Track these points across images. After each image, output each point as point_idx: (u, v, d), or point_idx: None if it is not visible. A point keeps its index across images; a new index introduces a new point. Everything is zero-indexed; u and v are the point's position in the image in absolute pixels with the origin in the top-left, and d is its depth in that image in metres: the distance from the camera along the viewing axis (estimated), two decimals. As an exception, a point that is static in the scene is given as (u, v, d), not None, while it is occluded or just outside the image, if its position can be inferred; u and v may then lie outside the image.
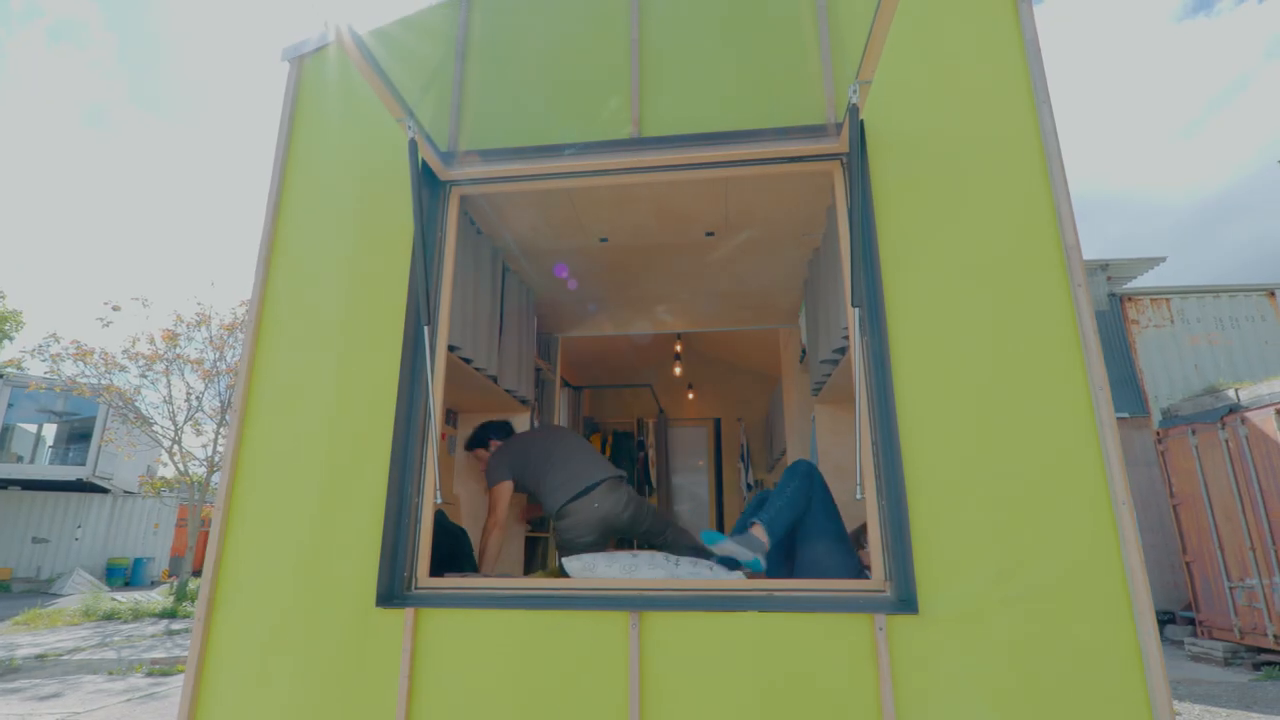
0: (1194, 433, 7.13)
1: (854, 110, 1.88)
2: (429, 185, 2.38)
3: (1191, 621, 7.30)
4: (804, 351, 3.93)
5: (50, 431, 16.68)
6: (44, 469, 15.39)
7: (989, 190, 2.08)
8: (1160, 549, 8.19)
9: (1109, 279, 9.67)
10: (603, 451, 8.13)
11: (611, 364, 7.43)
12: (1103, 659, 1.68)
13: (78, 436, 16.18)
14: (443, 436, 3.49)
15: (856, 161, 1.88)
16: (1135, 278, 9.82)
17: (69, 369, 11.76)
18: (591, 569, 2.29)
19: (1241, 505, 6.48)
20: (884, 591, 1.82)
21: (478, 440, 3.46)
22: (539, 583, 2.10)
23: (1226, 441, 6.71)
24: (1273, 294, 9.32)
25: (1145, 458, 8.55)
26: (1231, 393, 6.97)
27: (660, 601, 1.89)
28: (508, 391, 3.45)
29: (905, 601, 1.77)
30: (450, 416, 3.82)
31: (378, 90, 1.94)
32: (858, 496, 1.91)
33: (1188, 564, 7.23)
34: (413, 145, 2.10)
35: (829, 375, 3.05)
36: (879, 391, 1.94)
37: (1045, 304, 1.95)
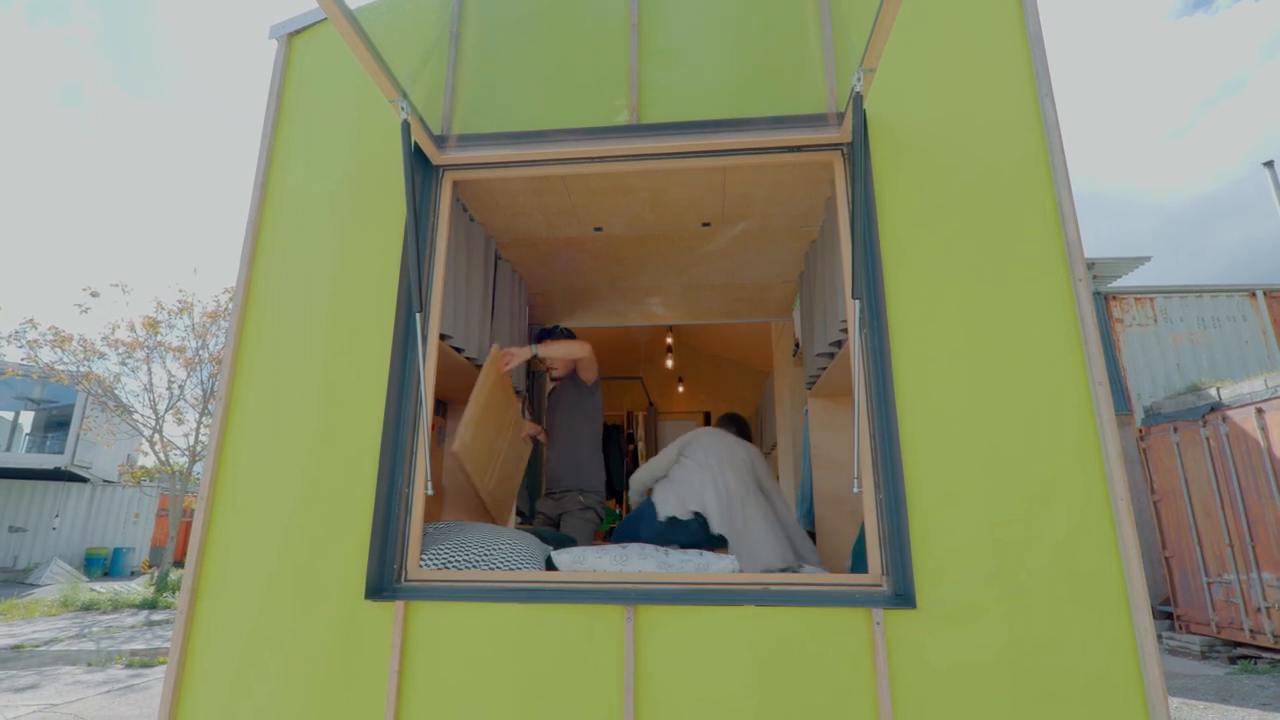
0: (1176, 430, 7.24)
1: (858, 99, 1.85)
2: (421, 169, 2.32)
3: (1169, 616, 7.43)
4: (797, 345, 3.92)
5: (27, 419, 16.39)
6: (21, 457, 15.11)
7: (990, 184, 2.06)
8: (1140, 544, 8.33)
9: (1094, 277, 9.78)
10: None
11: (602, 356, 7.39)
12: (1099, 655, 1.68)
13: (56, 424, 15.91)
14: (433, 427, 3.44)
15: (859, 151, 1.85)
16: (1120, 277, 9.94)
17: (47, 355, 11.54)
18: (581, 561, 2.27)
19: (1221, 502, 6.60)
20: (881, 586, 1.81)
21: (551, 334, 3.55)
22: (532, 575, 2.07)
23: (1207, 439, 6.81)
24: (1254, 294, 9.47)
25: (1127, 454, 8.67)
26: (1213, 391, 7.06)
27: (655, 595, 1.86)
28: (498, 382, 3.41)
29: (903, 596, 1.76)
30: (439, 407, 3.76)
31: (370, 69, 1.88)
32: (855, 490, 1.90)
33: (1167, 559, 7.35)
34: (405, 127, 2.05)
35: (824, 369, 3.03)
36: (878, 385, 1.93)
37: (1046, 298, 1.94)
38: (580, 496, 3.37)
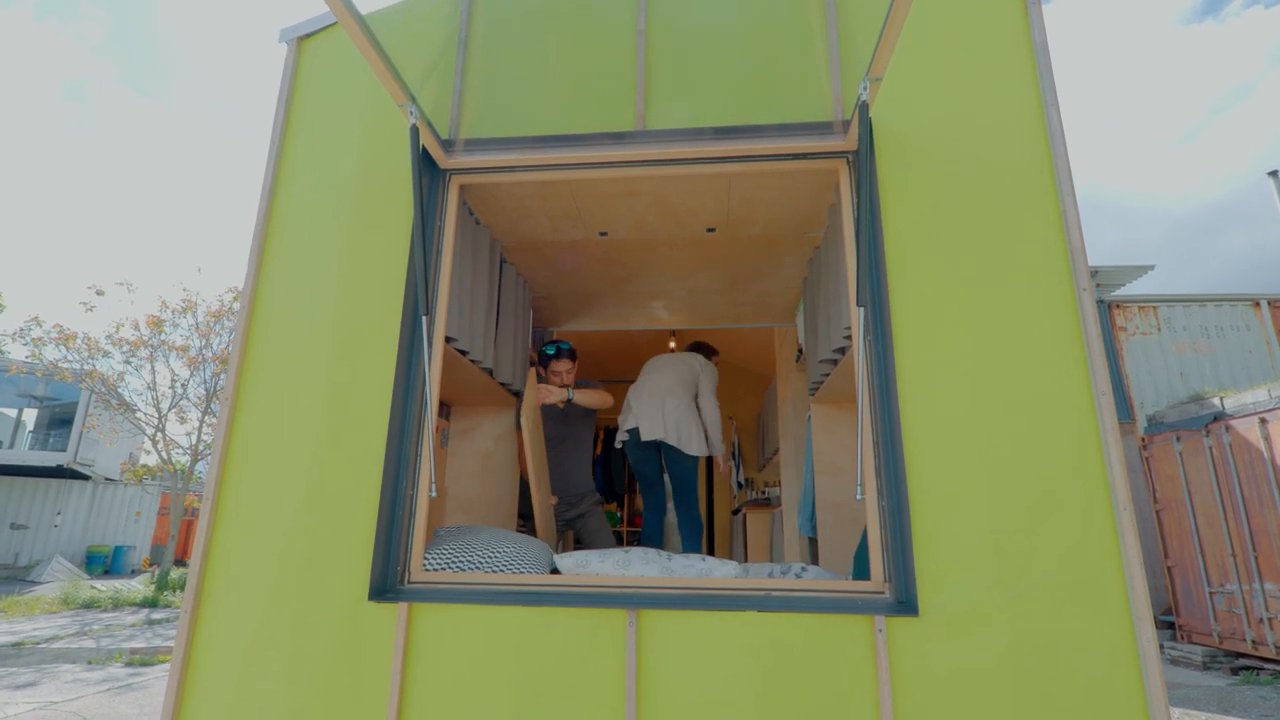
0: (1179, 439, 7.22)
1: (864, 107, 1.86)
2: (429, 173, 2.34)
3: (1171, 625, 7.40)
4: (800, 350, 3.92)
5: (31, 416, 16.41)
6: (23, 454, 15.13)
7: (995, 191, 2.07)
8: (1143, 553, 8.30)
9: (1098, 286, 9.76)
10: (594, 447, 8.13)
11: (604, 359, 7.40)
12: (1102, 664, 1.68)
13: (59, 422, 15.93)
14: (437, 429, 3.46)
15: (865, 160, 1.87)
16: (1123, 285, 9.92)
17: (51, 353, 11.58)
18: (584, 565, 2.27)
19: (1224, 512, 6.57)
20: (884, 593, 1.82)
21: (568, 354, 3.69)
22: (536, 579, 2.08)
23: (1211, 449, 6.79)
24: (1258, 304, 9.45)
25: (1130, 463, 8.64)
26: (1216, 400, 7.05)
27: (658, 600, 1.87)
28: (502, 385, 3.42)
29: (905, 604, 1.76)
30: (443, 409, 3.77)
31: (379, 73, 1.89)
32: (858, 497, 1.90)
33: (1169, 569, 7.32)
34: (414, 131, 2.06)
35: (827, 375, 3.04)
36: (882, 392, 1.93)
37: (1049, 306, 1.95)
38: (595, 495, 3.73)
